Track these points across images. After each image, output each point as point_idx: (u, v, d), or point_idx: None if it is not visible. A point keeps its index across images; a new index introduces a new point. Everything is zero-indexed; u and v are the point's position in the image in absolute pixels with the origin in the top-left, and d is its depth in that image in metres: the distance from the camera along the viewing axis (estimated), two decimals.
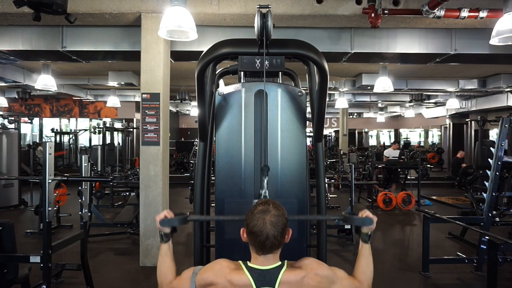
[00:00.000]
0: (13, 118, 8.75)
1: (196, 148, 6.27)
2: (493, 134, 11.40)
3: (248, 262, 1.52)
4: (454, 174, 10.43)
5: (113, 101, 10.36)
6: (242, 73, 2.26)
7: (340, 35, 5.01)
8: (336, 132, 18.57)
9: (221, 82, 2.78)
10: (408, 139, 19.77)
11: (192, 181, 6.73)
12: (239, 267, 1.50)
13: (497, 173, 4.38)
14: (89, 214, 4.11)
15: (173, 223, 1.63)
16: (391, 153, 9.54)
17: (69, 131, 14.91)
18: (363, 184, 9.14)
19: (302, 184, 2.09)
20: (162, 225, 1.62)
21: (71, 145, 14.65)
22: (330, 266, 1.61)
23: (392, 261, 4.94)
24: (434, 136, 18.85)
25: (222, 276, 1.48)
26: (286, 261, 1.52)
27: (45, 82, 6.74)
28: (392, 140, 19.97)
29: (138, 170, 8.04)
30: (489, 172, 4.49)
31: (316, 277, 1.49)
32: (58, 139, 14.03)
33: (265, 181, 1.75)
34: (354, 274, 1.62)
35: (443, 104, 12.28)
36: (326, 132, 18.66)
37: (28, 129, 13.80)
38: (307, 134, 2.23)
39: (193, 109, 13.61)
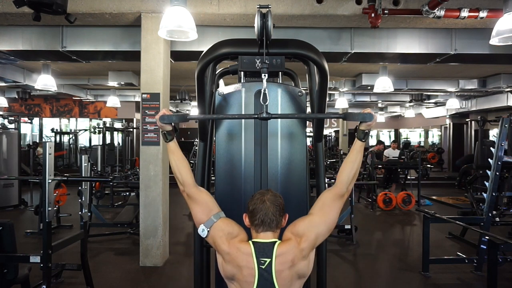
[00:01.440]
0: (13, 118, 8.74)
1: (196, 148, 6.27)
2: (493, 134, 11.39)
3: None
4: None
5: (113, 101, 10.34)
6: (242, 73, 2.25)
7: (340, 35, 5.01)
8: (336, 132, 18.55)
9: (221, 82, 2.78)
10: (408, 139, 19.73)
11: None
12: (247, 241, 1.64)
13: (497, 173, 4.38)
14: (89, 214, 4.12)
15: (172, 119, 1.72)
16: (391, 153, 9.54)
17: (69, 131, 14.90)
18: (363, 184, 9.14)
19: (302, 184, 2.09)
20: (162, 121, 1.70)
21: (71, 145, 14.64)
22: (308, 213, 1.73)
23: (392, 261, 4.95)
24: (434, 136, 18.83)
25: (234, 240, 1.62)
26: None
27: (45, 82, 6.73)
28: (392, 140, 19.97)
29: (138, 170, 8.04)
30: (489, 172, 4.49)
31: (303, 237, 1.61)
32: (58, 139, 14.02)
33: (265, 79, 1.82)
34: (337, 176, 1.74)
35: (443, 104, 12.27)
36: (326, 132, 18.64)
37: (28, 129, 13.79)
38: (307, 134, 2.22)
39: (193, 109, 13.59)
